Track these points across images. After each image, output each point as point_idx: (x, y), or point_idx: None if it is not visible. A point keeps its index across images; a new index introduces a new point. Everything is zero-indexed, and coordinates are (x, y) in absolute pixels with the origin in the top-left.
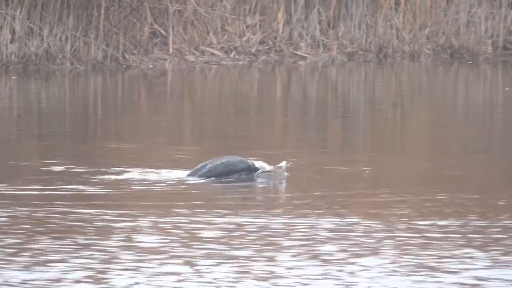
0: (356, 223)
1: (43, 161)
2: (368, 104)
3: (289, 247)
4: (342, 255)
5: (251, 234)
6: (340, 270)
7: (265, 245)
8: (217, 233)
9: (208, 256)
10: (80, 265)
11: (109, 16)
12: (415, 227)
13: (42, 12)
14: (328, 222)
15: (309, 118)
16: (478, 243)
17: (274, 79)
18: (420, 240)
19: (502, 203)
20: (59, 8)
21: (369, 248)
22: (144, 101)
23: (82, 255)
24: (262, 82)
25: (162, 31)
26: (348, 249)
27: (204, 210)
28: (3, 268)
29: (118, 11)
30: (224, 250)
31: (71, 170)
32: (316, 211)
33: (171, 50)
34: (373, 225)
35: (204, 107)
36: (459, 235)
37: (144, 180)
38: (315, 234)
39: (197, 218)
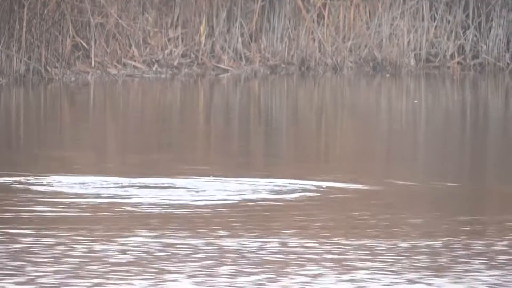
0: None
1: None
2: (289, 115)
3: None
4: None
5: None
6: None
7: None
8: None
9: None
10: None
11: (31, 29)
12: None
13: None
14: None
15: (230, 128)
16: None
17: (196, 92)
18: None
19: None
20: None
21: None
22: (66, 113)
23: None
24: (184, 95)
25: (84, 44)
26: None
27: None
28: None
29: (40, 24)
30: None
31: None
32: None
33: (93, 63)
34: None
35: (125, 118)
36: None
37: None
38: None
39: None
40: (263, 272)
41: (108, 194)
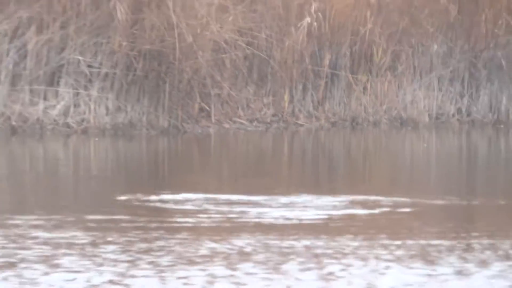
0: None
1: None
2: (346, 154)
3: None
4: None
5: None
6: None
7: None
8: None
9: None
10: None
11: (171, 97)
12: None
13: (126, 95)
14: None
15: (307, 163)
16: None
17: (282, 140)
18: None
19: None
20: (138, 91)
21: None
22: (196, 154)
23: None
24: (274, 142)
25: (207, 107)
26: None
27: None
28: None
29: (177, 94)
30: None
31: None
32: None
33: (213, 120)
34: None
35: (235, 156)
36: None
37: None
38: None
39: None
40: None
41: (233, 209)
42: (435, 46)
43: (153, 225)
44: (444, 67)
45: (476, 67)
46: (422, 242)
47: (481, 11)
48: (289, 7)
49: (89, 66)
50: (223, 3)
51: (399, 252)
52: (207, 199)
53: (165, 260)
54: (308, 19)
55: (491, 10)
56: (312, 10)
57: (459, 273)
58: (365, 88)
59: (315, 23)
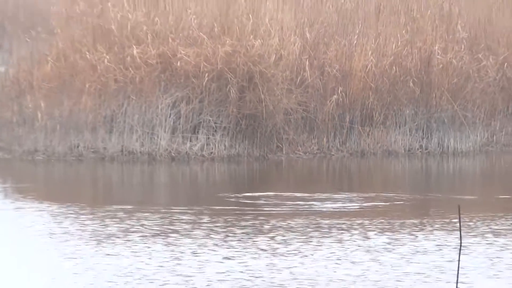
0: None
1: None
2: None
3: None
4: None
5: None
6: None
7: None
8: None
9: None
10: None
11: (261, 139)
12: None
13: (236, 138)
14: None
15: None
16: None
17: (325, 163)
18: None
19: None
20: (242, 136)
21: None
22: (276, 171)
23: None
24: (321, 164)
25: (280, 145)
26: None
27: None
28: None
29: (265, 138)
30: None
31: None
32: None
33: (284, 152)
34: None
35: (298, 171)
36: None
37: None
38: None
39: None
40: None
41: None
42: (407, 111)
43: (254, 212)
44: (412, 123)
45: (431, 122)
46: None
47: (433, 92)
48: (325, 87)
49: (215, 122)
50: (289, 87)
51: None
52: (283, 197)
53: (267, 228)
54: (335, 96)
55: (438, 91)
56: (339, 91)
57: None
58: (368, 134)
59: (341, 99)
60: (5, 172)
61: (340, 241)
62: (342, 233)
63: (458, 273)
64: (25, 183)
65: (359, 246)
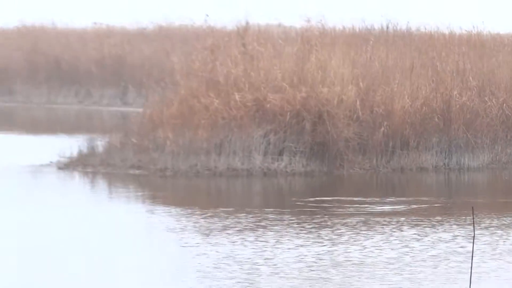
0: None
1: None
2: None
3: None
4: None
5: None
6: None
7: None
8: None
9: None
10: None
11: (329, 159)
12: None
13: (310, 159)
14: None
15: None
16: None
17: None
18: None
19: None
20: (315, 158)
21: None
22: (338, 181)
23: None
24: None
25: (341, 163)
26: None
27: None
28: None
29: (330, 159)
30: None
31: None
32: None
33: (345, 168)
34: None
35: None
36: None
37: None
38: None
39: None
40: None
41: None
42: (434, 138)
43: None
44: (437, 147)
45: (451, 146)
46: None
47: (452, 125)
48: (374, 122)
49: (295, 147)
50: (348, 122)
51: None
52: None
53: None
54: (382, 128)
55: (456, 124)
56: (385, 124)
57: None
58: (405, 155)
59: (385, 130)
60: (142, 184)
61: (383, 233)
62: (385, 227)
63: (472, 255)
64: (157, 192)
65: (396, 236)
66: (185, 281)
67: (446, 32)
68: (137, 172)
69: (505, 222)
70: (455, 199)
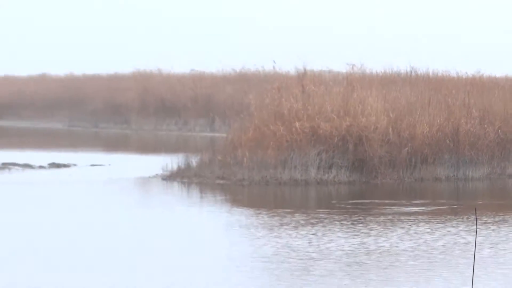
0: None
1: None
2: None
3: None
4: None
5: None
6: None
7: None
8: None
9: None
10: None
11: (368, 172)
12: None
13: (351, 172)
14: None
15: None
16: None
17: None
18: None
19: None
20: (354, 170)
21: None
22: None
23: None
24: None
25: (378, 175)
26: None
27: None
28: None
29: (368, 174)
30: None
31: None
32: None
33: (379, 178)
34: None
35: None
36: None
37: None
38: None
39: None
40: None
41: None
42: (446, 156)
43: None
44: (449, 162)
45: (458, 162)
46: None
47: (460, 146)
48: (400, 143)
49: (341, 163)
50: (381, 144)
51: None
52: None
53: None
54: (406, 148)
55: (462, 145)
56: (409, 145)
57: None
58: (425, 169)
59: (409, 150)
60: (225, 191)
61: (404, 228)
62: (406, 223)
63: (475, 244)
64: (235, 197)
65: (414, 230)
66: (253, 264)
67: (455, 75)
68: (221, 182)
69: (500, 219)
70: (462, 202)
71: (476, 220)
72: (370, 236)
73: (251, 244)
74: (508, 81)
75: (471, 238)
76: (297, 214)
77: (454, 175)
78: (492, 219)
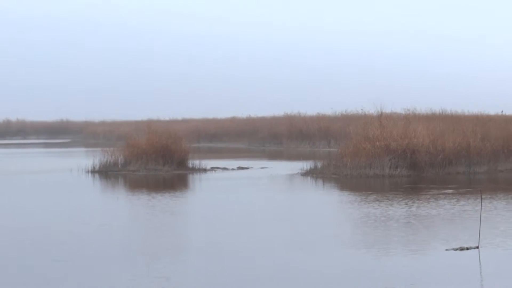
0: None
1: None
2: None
3: None
4: None
5: None
6: None
7: None
8: None
9: None
10: None
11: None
12: None
13: None
14: None
15: None
16: None
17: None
18: None
19: None
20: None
21: None
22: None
23: None
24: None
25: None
26: None
27: None
28: None
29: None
30: None
31: None
32: None
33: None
34: None
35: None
36: None
37: None
38: None
39: None
40: None
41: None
42: (463, 160)
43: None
44: (464, 163)
45: (469, 165)
46: None
47: (471, 154)
48: (436, 152)
49: (402, 165)
50: (427, 153)
51: None
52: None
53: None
54: (440, 155)
55: (472, 154)
56: (442, 154)
57: None
58: (451, 168)
59: (442, 156)
60: (337, 182)
61: (434, 202)
62: (436, 200)
63: (480, 211)
64: (342, 185)
65: (438, 203)
66: (345, 225)
67: (467, 113)
68: (334, 176)
69: (498, 198)
70: (472, 186)
71: (481, 197)
72: (412, 207)
73: (360, 211)
74: (500, 117)
75: (479, 208)
76: (372, 195)
77: (467, 171)
78: (494, 198)
